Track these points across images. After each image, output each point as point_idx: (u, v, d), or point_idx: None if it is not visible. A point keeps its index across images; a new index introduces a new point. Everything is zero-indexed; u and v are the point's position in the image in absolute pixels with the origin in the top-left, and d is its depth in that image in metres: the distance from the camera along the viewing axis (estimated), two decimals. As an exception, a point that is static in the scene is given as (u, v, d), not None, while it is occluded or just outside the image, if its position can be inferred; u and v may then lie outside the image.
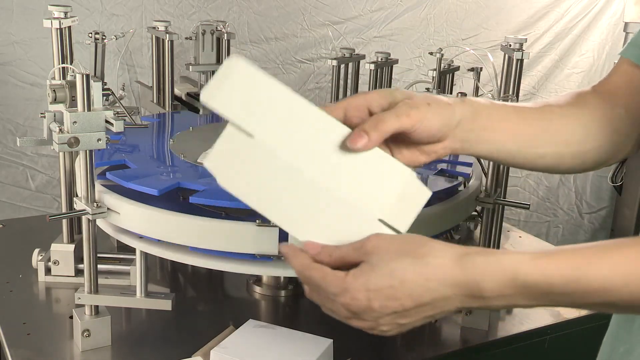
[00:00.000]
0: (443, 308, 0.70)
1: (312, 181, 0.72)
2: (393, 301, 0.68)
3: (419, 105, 0.75)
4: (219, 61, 1.84)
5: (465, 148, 0.80)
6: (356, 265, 0.70)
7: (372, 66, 1.67)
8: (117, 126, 1.08)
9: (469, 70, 1.61)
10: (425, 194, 0.76)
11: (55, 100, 1.12)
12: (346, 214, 0.73)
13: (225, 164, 0.74)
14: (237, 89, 0.71)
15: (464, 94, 1.59)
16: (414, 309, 0.69)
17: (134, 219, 1.15)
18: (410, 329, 0.72)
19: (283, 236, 1.08)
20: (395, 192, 0.74)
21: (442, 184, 1.34)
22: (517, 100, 1.35)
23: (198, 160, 1.30)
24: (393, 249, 0.69)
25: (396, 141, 0.77)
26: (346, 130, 0.73)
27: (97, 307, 1.16)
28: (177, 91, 1.88)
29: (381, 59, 1.72)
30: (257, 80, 0.71)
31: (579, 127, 0.88)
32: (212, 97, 0.72)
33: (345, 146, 0.72)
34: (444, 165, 1.43)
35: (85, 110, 1.07)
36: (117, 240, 1.37)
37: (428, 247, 0.69)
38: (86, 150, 1.10)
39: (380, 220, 0.74)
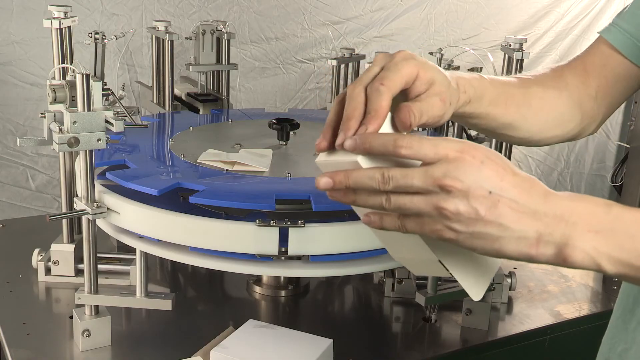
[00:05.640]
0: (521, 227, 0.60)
1: None
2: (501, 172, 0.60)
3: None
4: (219, 61, 1.84)
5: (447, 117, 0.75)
6: None
7: (372, 66, 1.67)
8: (117, 126, 1.08)
9: (469, 70, 1.61)
10: None
11: (55, 100, 1.12)
12: None
13: None
14: None
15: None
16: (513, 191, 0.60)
17: (134, 219, 1.15)
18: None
19: (283, 236, 1.08)
20: None
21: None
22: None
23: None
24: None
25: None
26: None
27: (97, 307, 1.16)
28: (177, 91, 1.88)
29: (381, 59, 1.72)
30: None
31: (554, 114, 0.89)
32: None
33: None
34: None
35: (85, 110, 1.07)
36: (117, 240, 1.37)
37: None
38: (86, 150, 1.10)
39: None
